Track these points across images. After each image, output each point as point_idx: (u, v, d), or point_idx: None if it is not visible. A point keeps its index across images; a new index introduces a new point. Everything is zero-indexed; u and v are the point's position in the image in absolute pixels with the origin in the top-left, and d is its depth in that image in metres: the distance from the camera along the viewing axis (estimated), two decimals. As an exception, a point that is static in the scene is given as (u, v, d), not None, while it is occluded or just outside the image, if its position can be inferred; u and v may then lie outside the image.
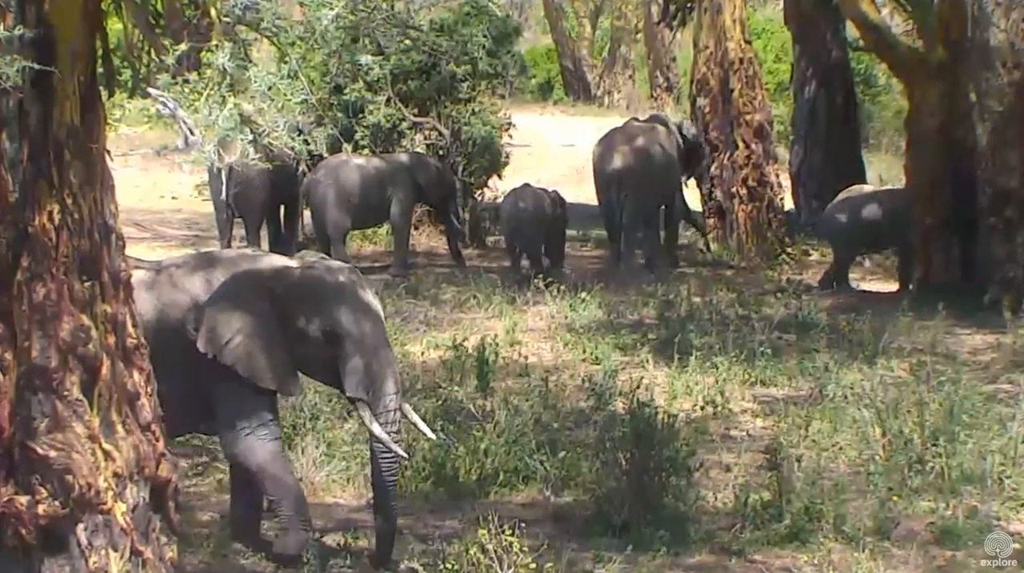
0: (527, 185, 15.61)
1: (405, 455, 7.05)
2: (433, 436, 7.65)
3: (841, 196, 15.90)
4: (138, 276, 7.05)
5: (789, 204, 18.97)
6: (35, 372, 5.86)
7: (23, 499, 5.90)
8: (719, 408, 10.16)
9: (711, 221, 17.70)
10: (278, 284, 7.10)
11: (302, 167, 16.33)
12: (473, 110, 17.48)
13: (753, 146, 17.50)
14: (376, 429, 7.03)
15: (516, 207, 15.16)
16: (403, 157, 16.37)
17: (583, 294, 13.56)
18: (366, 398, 7.04)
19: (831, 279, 15.24)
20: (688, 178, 17.17)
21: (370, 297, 7.18)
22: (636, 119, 17.08)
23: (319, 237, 16.01)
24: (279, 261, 7.37)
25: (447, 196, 16.42)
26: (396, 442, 7.06)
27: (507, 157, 18.12)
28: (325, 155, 16.34)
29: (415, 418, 7.30)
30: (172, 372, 6.80)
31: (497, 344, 11.30)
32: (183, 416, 7.12)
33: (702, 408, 10.17)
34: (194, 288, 7.17)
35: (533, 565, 6.30)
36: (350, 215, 15.79)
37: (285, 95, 6.25)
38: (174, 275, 7.26)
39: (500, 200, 16.71)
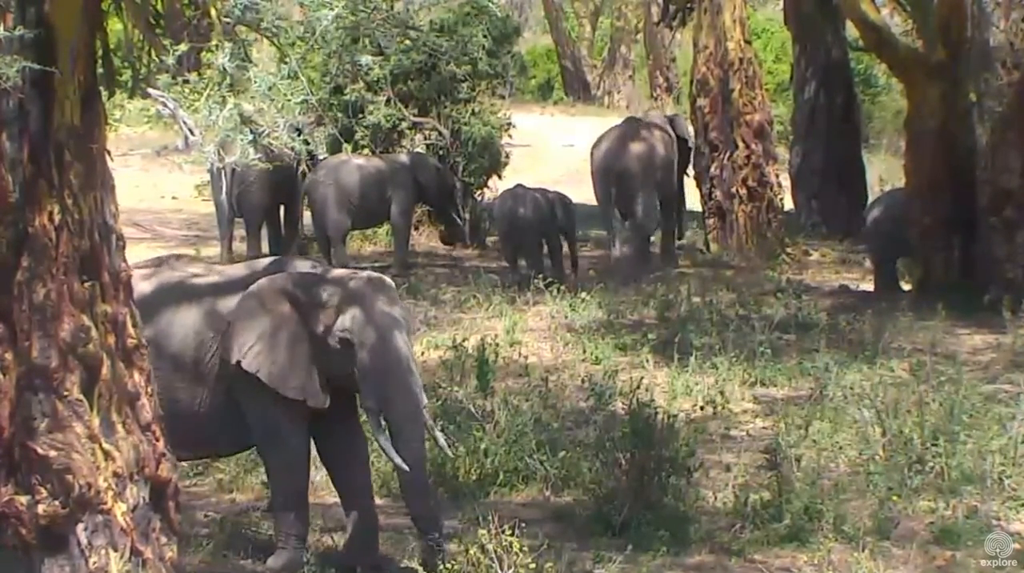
0: (520, 185, 15.61)
1: (405, 467, 6.95)
2: (450, 453, 7.63)
3: (880, 199, 15.79)
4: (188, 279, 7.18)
5: (789, 204, 18.97)
6: (35, 372, 5.87)
7: (23, 499, 5.91)
8: (719, 408, 10.16)
9: (711, 221, 17.69)
10: (302, 291, 7.05)
11: (302, 167, 16.33)
12: (473, 110, 17.47)
13: (753, 146, 17.49)
14: (381, 440, 7.00)
15: (508, 208, 15.15)
16: (403, 157, 16.37)
17: (583, 294, 13.57)
18: (375, 409, 6.99)
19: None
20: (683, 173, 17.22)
21: (392, 307, 7.07)
22: (635, 118, 17.09)
23: (319, 237, 16.02)
24: (306, 267, 7.31)
25: (447, 196, 16.42)
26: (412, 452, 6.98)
27: (507, 157, 18.12)
28: (325, 156, 16.34)
29: (436, 433, 7.27)
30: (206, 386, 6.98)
31: (497, 344, 11.30)
32: (224, 432, 7.17)
33: (702, 408, 10.17)
34: (223, 298, 7.16)
35: (533, 565, 6.29)
36: (350, 215, 15.79)
37: (285, 95, 6.26)
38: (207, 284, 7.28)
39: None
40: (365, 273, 7.31)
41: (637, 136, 16.19)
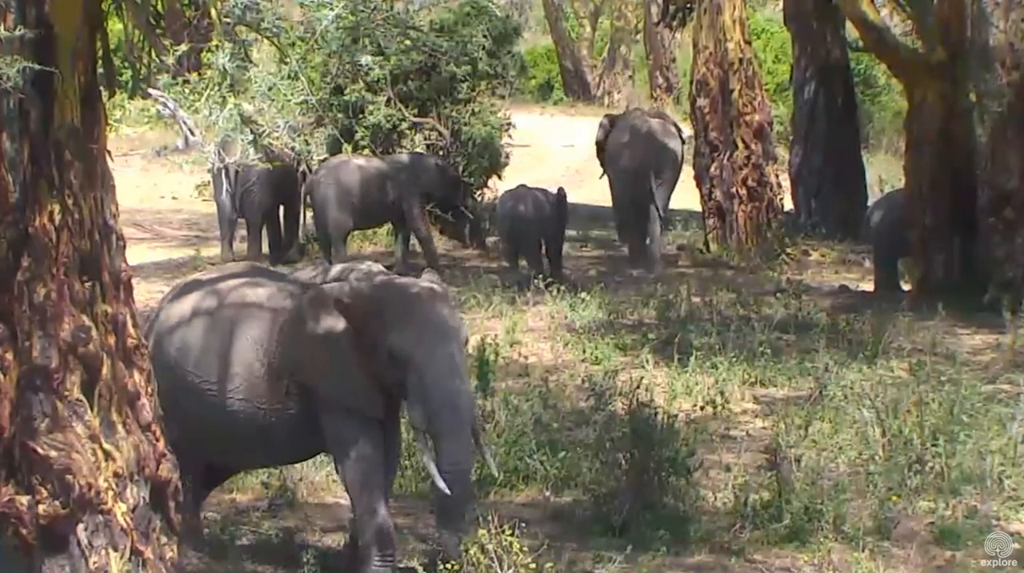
0: (523, 186, 15.62)
1: (447, 491, 6.73)
2: (496, 472, 7.45)
3: (883, 199, 15.81)
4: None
5: (789, 204, 18.97)
6: (35, 372, 5.87)
7: (23, 499, 5.91)
8: (719, 408, 10.16)
9: (711, 221, 17.70)
10: (356, 301, 6.88)
11: (302, 167, 16.33)
12: (473, 110, 17.46)
13: (753, 146, 17.49)
14: (426, 460, 6.82)
15: (512, 209, 15.16)
16: (405, 157, 16.35)
17: (583, 294, 13.57)
18: (421, 426, 6.79)
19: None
20: None
21: (445, 320, 6.86)
22: (640, 110, 17.17)
23: (321, 237, 16.00)
24: (363, 273, 7.14)
25: (452, 195, 16.34)
26: (456, 474, 6.76)
27: (507, 157, 18.12)
28: (325, 156, 16.35)
29: (486, 452, 7.10)
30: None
31: (497, 344, 11.30)
32: (296, 440, 7.08)
33: (702, 408, 10.17)
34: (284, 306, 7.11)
35: (533, 565, 6.30)
36: (352, 215, 15.77)
37: (285, 95, 6.27)
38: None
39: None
40: (423, 282, 7.09)
41: (660, 128, 16.52)
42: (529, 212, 14.96)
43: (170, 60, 6.41)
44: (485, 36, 17.41)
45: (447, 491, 6.72)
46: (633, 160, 16.24)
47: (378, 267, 7.31)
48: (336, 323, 6.86)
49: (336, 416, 6.87)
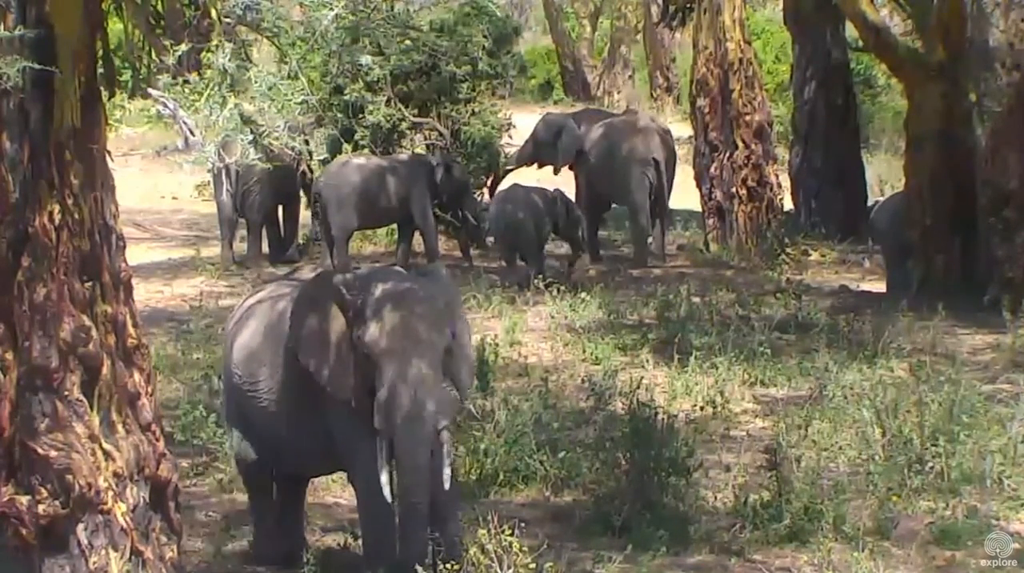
0: (516, 185, 15.61)
1: (388, 499, 6.57)
2: (447, 486, 6.91)
3: (886, 202, 15.83)
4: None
5: (789, 204, 18.97)
6: (35, 372, 5.88)
7: (23, 499, 5.92)
8: (719, 408, 10.16)
9: (711, 221, 17.71)
10: (350, 294, 6.80)
11: (302, 167, 16.32)
12: (473, 110, 17.46)
13: (753, 146, 17.49)
14: (380, 465, 6.60)
15: (503, 210, 15.15)
16: (411, 157, 16.30)
17: (583, 294, 13.57)
18: (382, 430, 6.59)
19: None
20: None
21: (420, 323, 6.65)
22: (599, 109, 17.32)
23: (326, 237, 15.95)
24: (366, 271, 7.12)
25: (459, 194, 16.27)
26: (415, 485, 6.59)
27: (507, 157, 18.11)
28: (325, 157, 16.34)
29: (446, 466, 6.69)
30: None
31: (497, 344, 11.31)
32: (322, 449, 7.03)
33: (702, 408, 10.17)
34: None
35: (533, 565, 6.30)
36: (359, 216, 15.74)
37: (285, 95, 6.27)
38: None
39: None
40: (417, 278, 6.99)
41: (656, 126, 16.87)
42: (523, 213, 14.94)
43: (170, 60, 6.42)
44: (485, 36, 17.40)
45: (388, 500, 6.59)
46: (632, 156, 16.25)
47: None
48: (332, 313, 6.82)
49: (339, 412, 6.82)
